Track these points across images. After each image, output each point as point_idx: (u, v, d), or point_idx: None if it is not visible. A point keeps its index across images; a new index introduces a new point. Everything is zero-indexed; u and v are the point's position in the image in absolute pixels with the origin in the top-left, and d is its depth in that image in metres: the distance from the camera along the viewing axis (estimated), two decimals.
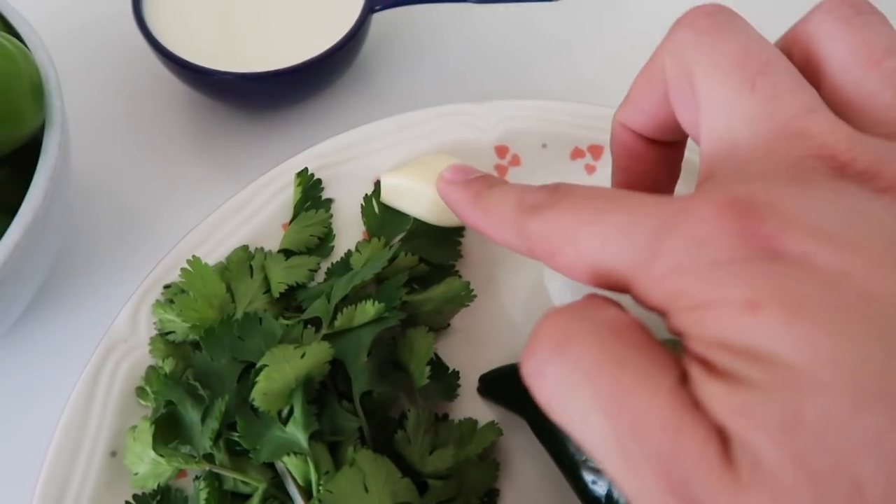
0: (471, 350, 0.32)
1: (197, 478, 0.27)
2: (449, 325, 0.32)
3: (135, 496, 0.26)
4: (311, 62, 0.35)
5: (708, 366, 0.14)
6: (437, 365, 0.31)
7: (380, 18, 0.39)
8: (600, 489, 0.26)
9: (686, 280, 0.15)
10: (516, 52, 0.43)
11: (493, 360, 0.31)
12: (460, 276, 0.32)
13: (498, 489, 0.29)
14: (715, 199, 0.15)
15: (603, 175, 0.35)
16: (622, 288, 0.17)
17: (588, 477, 0.26)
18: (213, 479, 0.26)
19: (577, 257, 0.18)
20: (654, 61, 0.21)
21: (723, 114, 0.18)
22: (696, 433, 0.13)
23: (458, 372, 0.31)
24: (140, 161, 0.38)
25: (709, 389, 0.14)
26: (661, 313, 0.16)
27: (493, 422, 0.29)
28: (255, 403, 0.25)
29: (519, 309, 0.33)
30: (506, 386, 0.30)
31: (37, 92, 0.28)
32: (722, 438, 0.13)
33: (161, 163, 0.38)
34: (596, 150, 0.35)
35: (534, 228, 0.19)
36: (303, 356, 0.26)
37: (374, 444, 0.27)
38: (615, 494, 0.26)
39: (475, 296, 0.32)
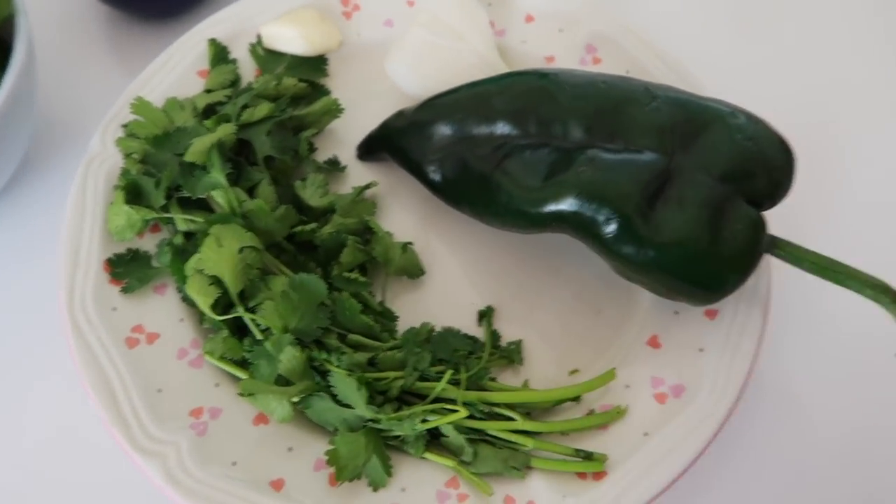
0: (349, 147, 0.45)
1: (162, 243, 0.39)
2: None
3: (115, 255, 0.38)
4: None
5: None
6: (331, 160, 0.44)
7: None
8: (437, 176, 0.39)
9: None
10: None
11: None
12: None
13: (372, 226, 0.41)
14: None
15: None
16: None
17: (429, 168, 0.40)
18: (173, 225, 0.38)
19: None
20: None
21: None
22: None
23: (339, 161, 0.44)
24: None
25: None
26: None
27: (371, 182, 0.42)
28: (186, 158, 0.37)
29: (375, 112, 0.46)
30: (372, 143, 0.43)
31: None
32: None
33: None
34: None
35: None
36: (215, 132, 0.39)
37: (279, 191, 0.40)
38: (447, 175, 0.39)
39: (343, 109, 0.44)
